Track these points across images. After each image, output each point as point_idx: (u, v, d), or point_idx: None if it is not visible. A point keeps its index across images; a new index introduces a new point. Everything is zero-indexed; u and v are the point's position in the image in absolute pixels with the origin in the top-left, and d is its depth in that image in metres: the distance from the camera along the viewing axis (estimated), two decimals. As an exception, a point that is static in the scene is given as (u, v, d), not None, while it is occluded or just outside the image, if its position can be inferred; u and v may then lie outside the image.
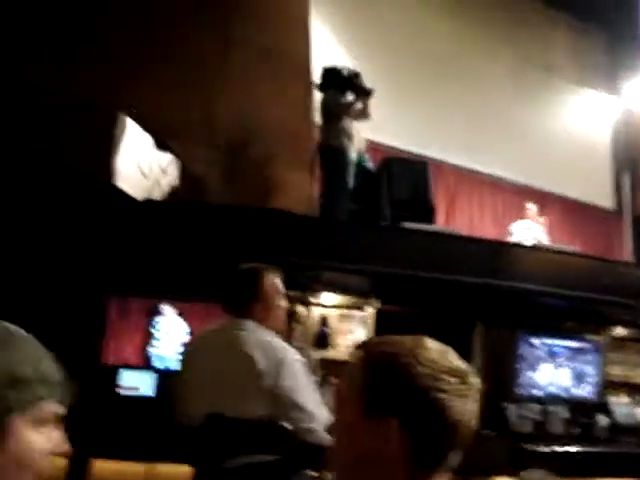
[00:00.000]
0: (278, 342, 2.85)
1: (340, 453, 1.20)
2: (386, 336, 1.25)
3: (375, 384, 1.16)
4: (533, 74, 11.46)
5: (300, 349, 4.47)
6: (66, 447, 1.19)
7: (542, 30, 11.79)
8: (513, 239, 8.65)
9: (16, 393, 1.10)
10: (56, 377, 1.18)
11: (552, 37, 11.95)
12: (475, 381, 1.21)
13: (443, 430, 1.15)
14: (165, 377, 4.81)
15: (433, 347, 1.20)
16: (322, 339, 5.22)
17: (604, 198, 12.19)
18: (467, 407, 1.18)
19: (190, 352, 3.11)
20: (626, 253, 11.74)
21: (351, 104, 5.92)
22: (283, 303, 3.02)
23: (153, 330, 5.19)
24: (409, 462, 1.14)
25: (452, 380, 1.17)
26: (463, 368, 1.20)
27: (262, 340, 2.82)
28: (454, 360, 1.21)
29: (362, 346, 1.26)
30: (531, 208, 9.16)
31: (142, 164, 4.75)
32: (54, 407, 1.17)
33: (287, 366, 2.74)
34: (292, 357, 2.80)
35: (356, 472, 1.17)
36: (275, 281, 2.99)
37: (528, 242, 8.15)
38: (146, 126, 4.83)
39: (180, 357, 3.21)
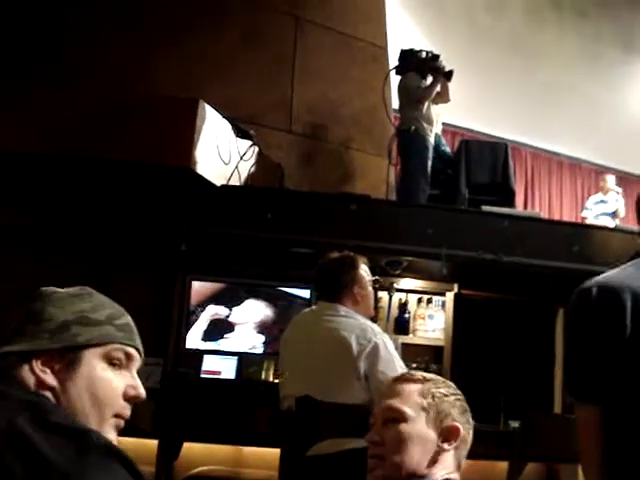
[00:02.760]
0: (373, 326, 2.90)
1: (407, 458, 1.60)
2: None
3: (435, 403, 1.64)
4: (611, 53, 11.21)
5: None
6: (141, 391, 1.26)
7: (620, 9, 11.50)
8: (588, 215, 8.47)
9: (86, 330, 1.22)
10: (128, 324, 1.29)
11: (630, 16, 11.66)
12: None
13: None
14: (246, 361, 4.87)
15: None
16: (402, 324, 5.19)
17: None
18: None
19: (286, 336, 3.17)
20: None
21: (430, 87, 5.84)
22: (371, 290, 3.07)
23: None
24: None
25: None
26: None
27: (357, 324, 2.87)
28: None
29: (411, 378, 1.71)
30: (608, 179, 8.92)
31: (221, 151, 4.79)
32: (127, 349, 1.26)
33: (382, 351, 2.78)
34: (387, 341, 2.84)
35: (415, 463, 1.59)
36: (366, 269, 3.06)
37: (604, 216, 7.96)
38: (225, 113, 4.87)
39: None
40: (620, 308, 1.72)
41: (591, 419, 1.74)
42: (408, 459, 1.58)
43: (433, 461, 1.59)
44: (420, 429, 1.60)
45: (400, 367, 2.83)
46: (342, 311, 2.93)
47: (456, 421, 1.63)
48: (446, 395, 1.66)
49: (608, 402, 1.73)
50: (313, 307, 3.25)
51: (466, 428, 1.65)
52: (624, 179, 10.45)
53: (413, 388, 1.65)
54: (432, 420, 1.61)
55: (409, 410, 1.61)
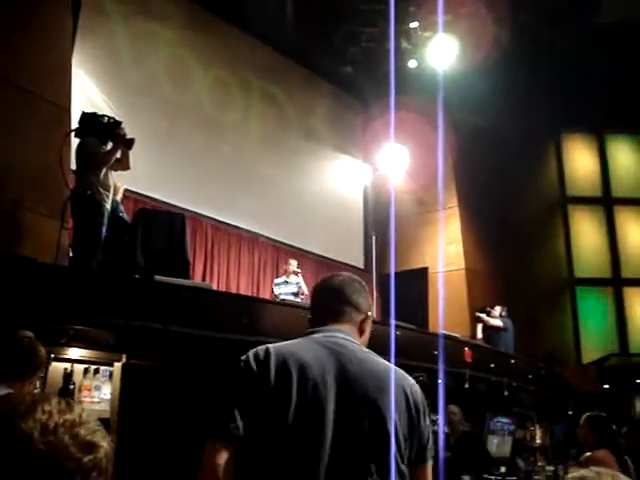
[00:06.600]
0: None
1: None
2: None
3: None
4: (292, 136, 11.94)
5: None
6: None
7: (302, 93, 12.36)
8: (276, 293, 8.92)
9: None
10: None
11: (312, 102, 12.56)
12: None
13: None
14: None
15: None
16: (66, 396, 4.94)
17: (355, 258, 12.91)
18: None
19: None
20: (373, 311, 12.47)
21: (110, 153, 5.78)
22: None
23: None
24: None
25: None
26: None
27: None
28: None
29: None
30: (292, 263, 9.51)
31: None
32: None
33: None
34: None
35: None
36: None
37: (288, 296, 8.45)
38: None
39: None
40: (267, 367, 1.90)
41: (222, 455, 1.82)
42: None
43: None
44: None
45: None
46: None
47: None
48: None
49: (244, 442, 1.85)
50: None
51: None
52: (300, 255, 11.10)
53: None
54: None
55: None
